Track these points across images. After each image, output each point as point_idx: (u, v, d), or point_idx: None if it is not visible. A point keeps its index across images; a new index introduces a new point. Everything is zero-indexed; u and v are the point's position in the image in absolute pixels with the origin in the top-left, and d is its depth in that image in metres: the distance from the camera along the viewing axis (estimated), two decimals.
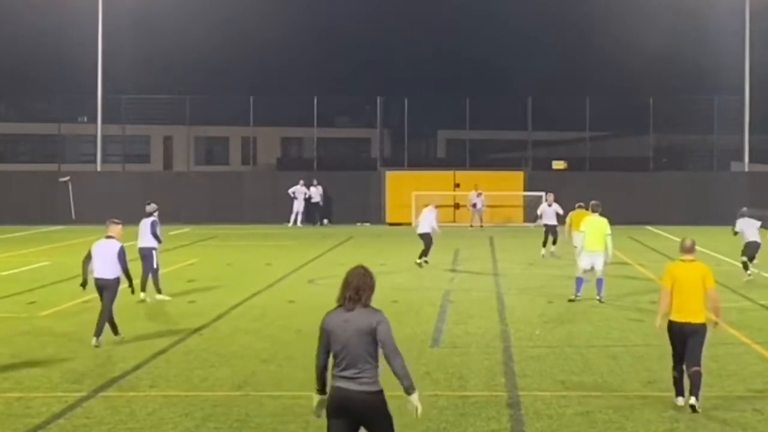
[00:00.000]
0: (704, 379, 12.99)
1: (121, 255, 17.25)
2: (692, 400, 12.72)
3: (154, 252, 23.07)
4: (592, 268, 22.26)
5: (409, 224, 49.15)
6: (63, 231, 43.46)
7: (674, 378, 13.17)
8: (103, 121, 53.56)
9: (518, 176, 51.43)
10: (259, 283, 25.74)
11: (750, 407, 13.11)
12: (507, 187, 50.57)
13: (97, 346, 16.98)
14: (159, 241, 23.38)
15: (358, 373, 8.62)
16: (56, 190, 49.44)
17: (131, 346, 17.35)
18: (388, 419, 8.78)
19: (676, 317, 12.94)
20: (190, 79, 66.52)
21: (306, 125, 56.37)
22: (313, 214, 49.25)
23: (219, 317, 20.53)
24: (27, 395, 13.79)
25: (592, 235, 22.19)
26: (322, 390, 8.88)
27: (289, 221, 48.72)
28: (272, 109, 58.92)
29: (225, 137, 73.14)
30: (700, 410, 12.72)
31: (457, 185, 50.10)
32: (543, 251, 32.94)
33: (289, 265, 30.33)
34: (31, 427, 12.26)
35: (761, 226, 26.64)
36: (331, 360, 8.84)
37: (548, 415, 12.70)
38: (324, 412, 8.79)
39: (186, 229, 46.78)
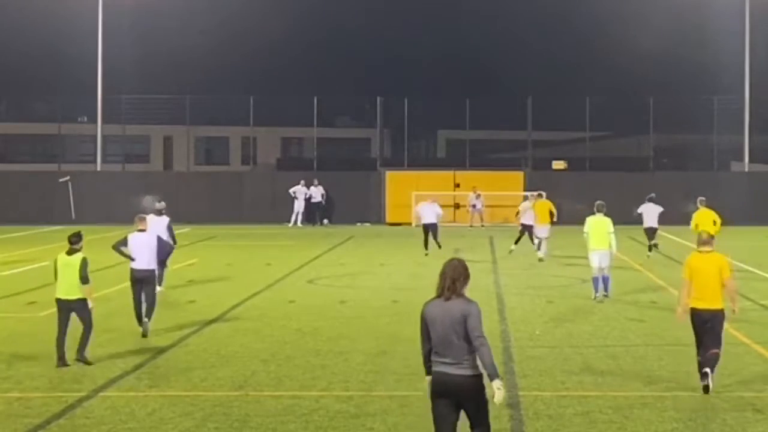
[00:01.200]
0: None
1: (159, 242, 18.58)
2: (705, 369, 13.62)
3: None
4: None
5: (409, 224, 49.22)
6: (63, 231, 43.40)
7: (699, 362, 13.89)
8: (103, 121, 53.57)
9: (518, 176, 51.41)
10: (259, 283, 25.74)
11: (750, 407, 13.11)
12: (507, 187, 50.56)
13: (144, 335, 18.03)
14: (174, 242, 23.89)
15: (456, 358, 9.20)
16: (56, 190, 49.43)
17: (131, 346, 17.36)
18: (484, 402, 9.27)
19: (697, 305, 13.82)
20: (190, 79, 66.44)
21: (306, 125, 56.36)
22: (313, 214, 49.25)
23: (219, 317, 20.53)
24: (27, 395, 13.79)
25: (596, 234, 22.74)
26: (429, 372, 9.46)
27: (289, 221, 48.72)
28: (272, 109, 58.88)
29: (225, 137, 73.09)
30: (712, 386, 13.55)
31: (457, 185, 50.10)
32: (513, 247, 33.31)
33: (289, 265, 30.33)
34: (31, 427, 12.25)
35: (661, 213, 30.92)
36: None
37: (548, 415, 12.70)
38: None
39: (186, 229, 46.74)
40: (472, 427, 9.34)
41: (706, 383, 13.61)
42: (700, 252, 14.03)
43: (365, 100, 63.65)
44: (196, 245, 37.56)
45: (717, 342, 13.74)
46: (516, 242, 33.45)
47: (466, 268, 9.46)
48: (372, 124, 64.94)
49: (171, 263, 31.08)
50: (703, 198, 27.71)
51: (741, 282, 26.01)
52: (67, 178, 50.41)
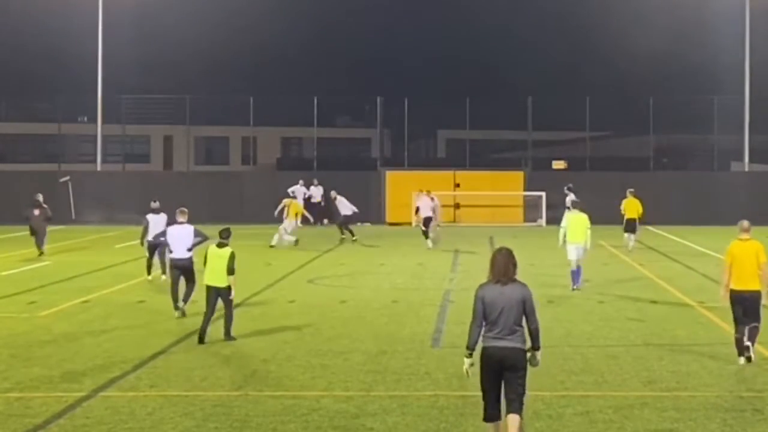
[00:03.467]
0: (705, 381, 13.60)
1: (196, 232, 20.24)
2: (747, 342, 15.50)
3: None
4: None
5: (409, 224, 49.23)
6: (63, 231, 43.45)
7: (736, 339, 15.70)
8: (103, 121, 53.58)
9: (518, 176, 51.43)
10: (259, 283, 25.74)
11: (750, 407, 13.12)
12: (507, 187, 50.59)
13: (181, 315, 19.97)
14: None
15: (511, 333, 10.67)
16: (56, 190, 49.40)
17: (131, 346, 17.36)
18: (526, 371, 10.76)
19: (736, 286, 15.57)
20: (190, 79, 66.56)
21: (306, 125, 56.38)
22: (313, 214, 49.18)
23: (219, 317, 20.52)
24: (27, 395, 13.79)
25: (574, 228, 24.53)
26: (471, 354, 10.83)
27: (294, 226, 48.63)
28: (272, 109, 58.93)
29: (225, 137, 73.14)
30: (754, 358, 15.51)
31: (457, 185, 50.12)
32: (430, 245, 35.86)
33: (289, 265, 30.34)
34: (31, 427, 12.25)
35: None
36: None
37: (548, 415, 12.70)
38: (470, 372, 10.89)
39: None
40: (511, 391, 10.65)
41: (748, 355, 15.48)
42: (740, 240, 15.67)
43: (365, 100, 63.68)
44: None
45: (757, 317, 15.56)
46: (426, 237, 35.93)
47: (514, 256, 11.01)
48: (372, 124, 64.97)
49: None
50: (632, 189, 34.15)
51: None
52: (68, 178, 50.39)
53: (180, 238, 20.34)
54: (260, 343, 17.57)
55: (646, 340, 17.83)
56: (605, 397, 13.65)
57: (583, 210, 24.99)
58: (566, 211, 27.48)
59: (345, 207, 40.13)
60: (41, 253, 33.30)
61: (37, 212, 33.81)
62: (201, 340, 17.47)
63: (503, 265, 10.91)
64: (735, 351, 15.75)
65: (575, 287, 24.26)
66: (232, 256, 17.63)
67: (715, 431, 12.09)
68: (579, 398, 13.55)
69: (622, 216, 35.05)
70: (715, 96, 53.54)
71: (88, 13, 52.65)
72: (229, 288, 17.68)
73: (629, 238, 34.72)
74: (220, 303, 17.81)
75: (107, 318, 20.43)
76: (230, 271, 17.57)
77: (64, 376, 14.99)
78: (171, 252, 20.67)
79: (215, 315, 17.83)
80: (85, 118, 63.38)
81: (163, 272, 25.15)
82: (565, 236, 24.70)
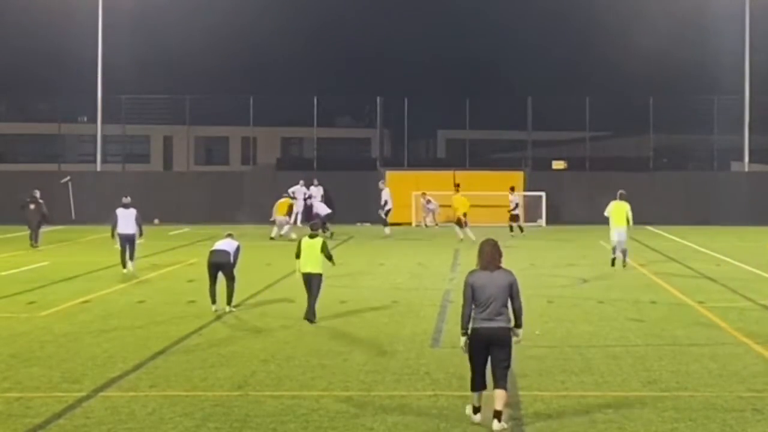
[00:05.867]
0: (705, 381, 13.37)
1: (237, 252, 21.51)
2: None
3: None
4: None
5: (409, 224, 49.25)
6: (63, 231, 43.45)
7: None
8: (103, 121, 53.58)
9: (518, 176, 51.41)
10: (259, 283, 25.75)
11: (750, 407, 13.11)
12: (507, 187, 50.52)
13: (216, 311, 20.89)
14: (141, 232, 28.85)
15: (498, 314, 12.10)
16: (56, 190, 49.42)
17: (131, 346, 17.37)
18: (511, 348, 12.22)
19: None
20: (190, 79, 66.54)
21: (306, 125, 56.39)
22: (313, 214, 49.15)
23: (219, 317, 20.53)
24: (27, 395, 13.78)
25: (616, 215, 29.18)
26: (466, 332, 12.19)
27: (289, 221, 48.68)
28: (272, 109, 58.93)
29: (225, 137, 73.15)
30: None
31: (457, 185, 50.10)
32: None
33: (289, 265, 30.26)
34: (31, 427, 12.25)
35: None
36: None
37: (548, 415, 12.70)
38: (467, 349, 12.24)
39: (186, 229, 46.80)
40: (498, 367, 12.09)
41: None
42: None
43: (365, 100, 63.68)
44: (196, 245, 37.57)
45: None
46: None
47: (500, 246, 12.43)
48: (372, 124, 64.99)
49: (171, 263, 31.16)
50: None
51: (741, 282, 26.10)
52: (68, 178, 50.39)
53: (225, 247, 21.57)
54: (260, 343, 17.57)
55: (646, 340, 17.83)
56: (605, 397, 13.65)
57: (625, 200, 29.48)
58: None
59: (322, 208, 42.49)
60: (33, 246, 35.27)
61: (33, 207, 36.69)
62: (310, 321, 19.61)
63: (490, 254, 12.28)
64: (735, 351, 15.74)
65: (615, 256, 29.30)
66: (324, 245, 20.01)
67: (715, 431, 12.09)
68: (579, 398, 13.55)
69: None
70: (715, 96, 53.53)
71: (87, 14, 52.65)
72: (321, 275, 19.93)
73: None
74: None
75: (107, 318, 20.43)
76: (328, 257, 20.05)
77: (64, 376, 14.98)
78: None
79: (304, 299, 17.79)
80: (85, 118, 63.40)
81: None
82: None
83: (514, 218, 42.68)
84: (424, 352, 16.73)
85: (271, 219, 40.93)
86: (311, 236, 20.15)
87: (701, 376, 14.86)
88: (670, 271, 28.92)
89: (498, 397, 12.06)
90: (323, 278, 20.13)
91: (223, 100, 59.21)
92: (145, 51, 66.25)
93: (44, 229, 38.89)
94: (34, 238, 36.59)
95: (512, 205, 43.11)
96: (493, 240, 12.46)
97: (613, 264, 29.21)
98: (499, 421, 11.99)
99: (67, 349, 17.06)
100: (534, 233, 44.24)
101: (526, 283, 26.20)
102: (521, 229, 42.05)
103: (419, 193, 48.69)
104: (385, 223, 39.96)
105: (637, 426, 12.21)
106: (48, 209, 38.08)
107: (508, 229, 41.84)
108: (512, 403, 13.23)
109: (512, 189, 43.73)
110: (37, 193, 37.63)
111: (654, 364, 15.72)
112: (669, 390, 14.01)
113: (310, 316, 19.74)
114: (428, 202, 48.39)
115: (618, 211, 29.24)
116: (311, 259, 19.98)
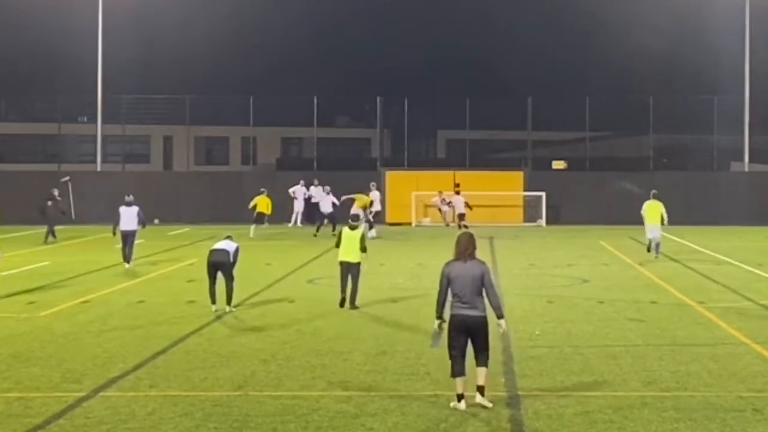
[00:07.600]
0: (705, 381, 13.46)
1: (236, 253, 21.36)
2: None
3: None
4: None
5: (409, 224, 49.26)
6: (63, 231, 43.42)
7: None
8: (103, 121, 53.58)
9: (518, 176, 51.42)
10: (259, 283, 25.74)
11: (750, 407, 13.11)
12: (507, 187, 50.59)
13: (216, 311, 20.90)
14: (143, 224, 30.26)
15: (473, 303, 12.78)
16: (56, 190, 49.36)
17: (131, 346, 17.36)
18: (487, 334, 12.85)
19: None
20: (190, 79, 66.56)
21: (306, 125, 56.38)
22: (313, 214, 49.18)
23: (219, 317, 20.53)
24: (27, 395, 13.78)
25: (651, 213, 31.40)
26: (441, 317, 13.00)
27: (289, 221, 48.73)
28: (272, 109, 58.92)
29: (225, 137, 73.14)
30: None
31: (457, 185, 50.11)
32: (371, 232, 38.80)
33: (289, 265, 30.34)
34: (31, 427, 12.25)
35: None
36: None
37: (548, 415, 12.69)
38: (441, 333, 13.06)
39: (186, 229, 46.80)
40: (478, 351, 12.77)
41: None
42: None
43: (365, 100, 63.69)
44: (196, 245, 37.56)
45: None
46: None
47: (474, 238, 13.16)
48: (372, 124, 64.97)
49: (171, 263, 31.18)
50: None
51: (741, 282, 26.10)
52: (68, 178, 50.41)
53: (224, 248, 21.64)
54: (260, 343, 17.57)
55: (646, 340, 17.82)
56: (605, 397, 13.64)
57: (658, 199, 31.64)
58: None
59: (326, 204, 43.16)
60: (50, 243, 37.70)
61: (50, 203, 39.26)
62: (341, 305, 21.22)
63: (464, 245, 13.03)
64: (735, 351, 15.75)
65: (651, 253, 31.52)
66: (363, 236, 21.35)
67: (715, 431, 12.09)
68: (579, 398, 13.54)
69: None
70: (715, 96, 53.54)
71: (88, 14, 52.64)
72: (359, 264, 21.27)
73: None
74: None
75: (107, 318, 20.43)
76: (363, 249, 21.26)
77: (64, 376, 14.98)
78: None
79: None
80: (85, 118, 63.34)
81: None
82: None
83: (461, 217, 43.82)
84: (424, 352, 16.72)
85: (249, 205, 42.54)
86: (351, 227, 21.50)
87: (701, 376, 14.86)
88: (670, 271, 28.92)
89: (480, 374, 12.78)
90: (361, 268, 21.42)
91: (223, 100, 59.24)
92: (145, 51, 66.28)
93: (57, 228, 39.52)
94: (52, 235, 38.70)
95: (440, 206, 44.57)
96: (469, 233, 13.25)
97: (648, 250, 32.06)
98: (482, 395, 12.71)
99: (67, 349, 17.06)
100: (534, 233, 44.25)
101: (526, 283, 26.34)
102: (460, 227, 40.82)
103: (436, 192, 48.45)
104: (371, 226, 40.26)
105: (637, 426, 12.21)
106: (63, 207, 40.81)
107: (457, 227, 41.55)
108: (512, 403, 13.24)
109: (457, 186, 46.49)
110: (56, 192, 40.42)
111: (654, 364, 15.72)
112: (669, 390, 14.00)
113: (352, 303, 21.15)
114: (444, 201, 47.99)
115: (653, 210, 31.43)
116: (351, 250, 21.32)
